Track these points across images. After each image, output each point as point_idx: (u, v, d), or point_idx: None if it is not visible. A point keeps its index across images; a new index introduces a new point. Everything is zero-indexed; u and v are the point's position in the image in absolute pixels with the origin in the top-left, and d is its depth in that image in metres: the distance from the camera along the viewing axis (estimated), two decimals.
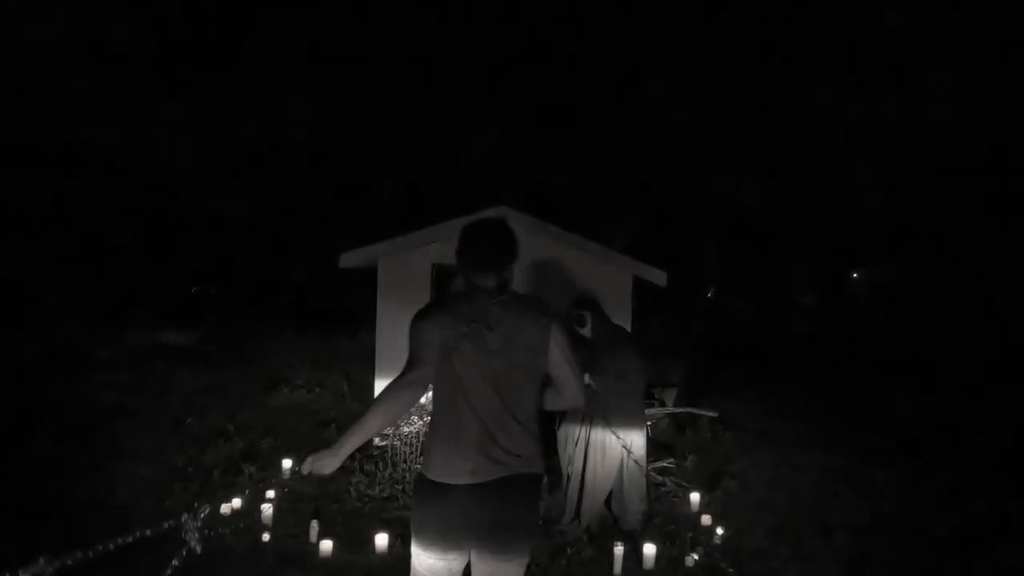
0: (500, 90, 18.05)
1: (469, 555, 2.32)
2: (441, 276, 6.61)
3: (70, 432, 6.37)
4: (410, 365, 2.23)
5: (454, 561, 2.31)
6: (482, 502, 2.23)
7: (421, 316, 2.30)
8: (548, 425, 4.63)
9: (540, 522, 2.42)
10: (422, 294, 6.59)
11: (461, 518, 2.24)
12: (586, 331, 4.61)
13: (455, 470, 2.24)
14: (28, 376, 8.61)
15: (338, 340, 12.10)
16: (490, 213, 6.51)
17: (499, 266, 2.34)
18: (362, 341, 10.53)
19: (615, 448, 4.48)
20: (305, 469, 2.26)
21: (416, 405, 2.32)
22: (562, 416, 4.66)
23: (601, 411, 4.46)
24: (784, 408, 8.80)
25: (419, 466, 2.45)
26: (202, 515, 2.12)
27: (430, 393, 2.38)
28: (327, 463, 2.22)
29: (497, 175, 16.81)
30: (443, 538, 2.26)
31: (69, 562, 1.71)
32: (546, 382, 2.39)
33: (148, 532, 1.97)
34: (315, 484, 5.02)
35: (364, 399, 7.58)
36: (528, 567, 2.41)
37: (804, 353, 14.24)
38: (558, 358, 2.34)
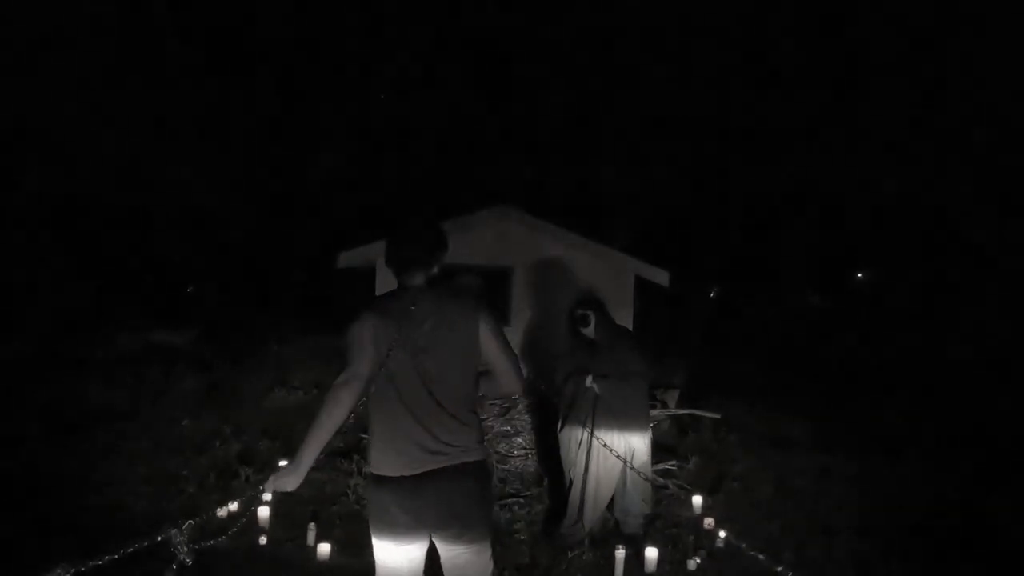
0: (501, 87, 18.07)
1: (423, 545, 2.43)
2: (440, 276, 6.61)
3: (61, 435, 6.37)
4: (343, 368, 2.37)
5: (411, 551, 2.40)
6: (425, 493, 2.32)
7: (352, 320, 2.42)
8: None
9: (493, 508, 2.57)
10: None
11: (403, 508, 2.33)
12: (589, 331, 4.62)
13: (392, 464, 2.35)
14: (17, 377, 8.60)
15: (336, 341, 12.09)
16: (490, 212, 6.52)
17: (424, 264, 2.45)
18: None
19: (618, 451, 4.48)
20: (268, 488, 2.40)
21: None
22: (565, 419, 4.67)
23: (604, 413, 4.46)
24: (789, 410, 8.79)
25: None
26: (186, 529, 2.17)
27: None
28: (289, 481, 2.36)
29: (497, 173, 16.82)
30: (391, 528, 2.37)
31: (83, 569, 1.73)
32: (483, 371, 2.47)
33: (135, 546, 1.99)
34: (313, 487, 5.03)
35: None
36: (493, 548, 2.52)
37: (810, 353, 14.23)
38: (490, 345, 2.43)
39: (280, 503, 4.78)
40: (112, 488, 5.15)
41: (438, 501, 2.33)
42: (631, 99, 18.12)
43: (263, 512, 4.49)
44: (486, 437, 2.95)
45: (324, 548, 4.17)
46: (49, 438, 6.22)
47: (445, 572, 2.47)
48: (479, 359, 2.43)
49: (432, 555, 2.49)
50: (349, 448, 6.29)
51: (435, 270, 2.47)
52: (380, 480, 2.37)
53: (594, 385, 4.43)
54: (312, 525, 4.41)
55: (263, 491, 2.49)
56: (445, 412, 2.35)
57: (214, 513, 4.41)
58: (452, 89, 18.02)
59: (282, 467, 2.40)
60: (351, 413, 2.39)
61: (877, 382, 11.20)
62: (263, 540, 4.30)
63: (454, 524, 2.36)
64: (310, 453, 2.35)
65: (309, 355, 10.79)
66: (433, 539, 2.42)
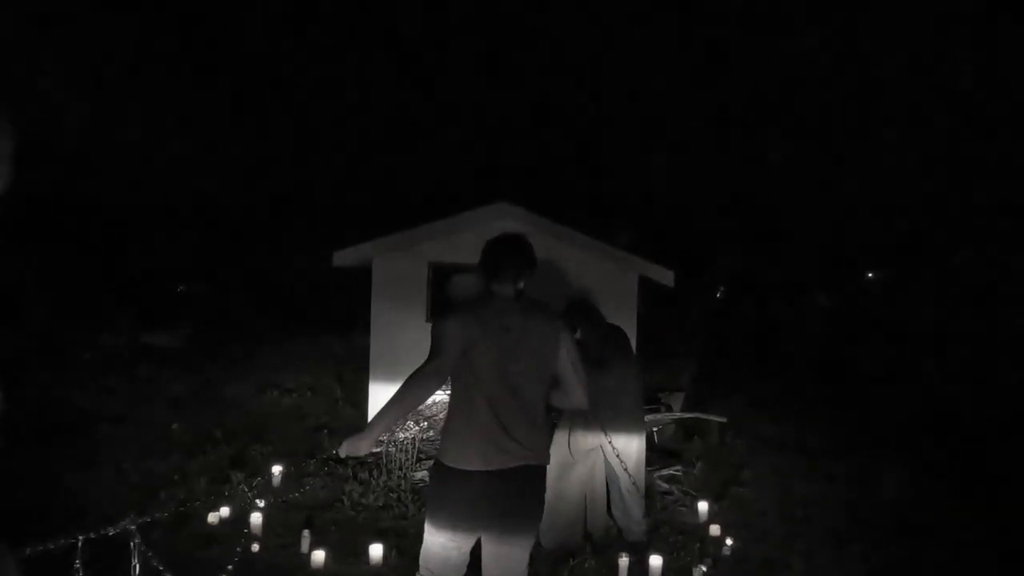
0: (501, 85, 18.07)
1: (476, 537, 2.66)
2: (438, 275, 6.61)
3: (49, 437, 6.38)
4: (431, 357, 2.58)
5: (463, 541, 2.65)
6: (492, 488, 2.57)
7: (443, 313, 2.66)
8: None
9: (542, 510, 2.85)
10: (418, 294, 6.59)
11: (472, 502, 2.58)
12: (577, 335, 4.62)
13: (469, 458, 2.58)
14: (4, 378, 8.60)
15: (330, 342, 12.11)
16: (488, 209, 6.52)
17: (517, 277, 2.73)
18: (355, 343, 10.53)
19: (609, 454, 4.49)
20: (342, 452, 2.62)
21: (418, 408, 2.81)
22: (559, 426, 4.69)
23: (595, 417, 4.46)
24: (797, 413, 8.80)
25: (415, 474, 2.63)
26: (138, 522, 2.29)
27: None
28: (361, 445, 2.59)
29: (497, 170, 16.83)
30: (454, 519, 2.61)
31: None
32: (554, 383, 2.74)
33: (93, 535, 2.11)
34: (307, 493, 5.04)
35: (357, 403, 7.59)
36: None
37: (819, 355, 14.23)
38: (565, 361, 2.70)
39: (272, 508, 4.79)
40: (100, 493, 5.16)
41: (499, 498, 2.58)
42: (636, 91, 18.14)
43: (256, 519, 4.49)
44: None
45: (319, 555, 4.17)
46: (36, 440, 6.22)
47: (484, 564, 2.72)
48: (554, 370, 2.71)
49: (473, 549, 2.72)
50: (346, 453, 6.30)
51: (522, 284, 2.75)
52: (451, 472, 2.60)
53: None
54: (306, 532, 4.41)
55: (335, 453, 2.70)
56: (522, 417, 2.61)
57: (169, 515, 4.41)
58: (451, 84, 18.03)
59: (354, 435, 2.62)
60: (428, 397, 2.64)
61: (888, 384, 11.20)
62: (256, 547, 4.31)
63: (508, 520, 2.62)
64: (382, 424, 2.60)
65: (303, 356, 10.83)
66: (483, 533, 2.65)
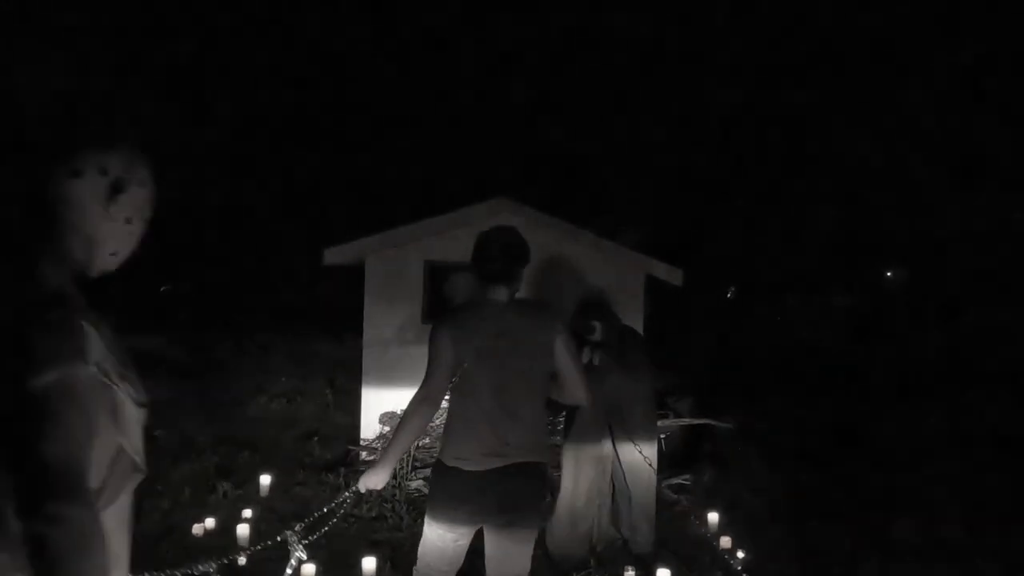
0: (502, 74, 18.09)
1: (472, 531, 2.86)
2: (435, 274, 6.61)
3: None
4: (425, 382, 2.82)
5: (461, 536, 2.84)
6: (489, 483, 2.75)
7: (436, 329, 2.82)
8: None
9: (543, 507, 3.12)
10: (414, 294, 6.59)
11: (469, 496, 2.77)
12: (595, 336, 4.61)
13: (467, 458, 2.78)
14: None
15: (321, 344, 12.12)
16: (488, 205, 6.52)
17: (511, 277, 2.83)
18: (348, 345, 10.54)
19: (620, 461, 4.49)
20: (361, 488, 2.86)
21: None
22: (565, 425, 4.68)
23: (604, 422, 4.46)
24: (812, 419, 8.80)
25: (410, 483, 3.12)
26: None
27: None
28: (378, 479, 2.84)
29: (497, 165, 16.83)
30: (451, 514, 2.80)
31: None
32: (554, 379, 2.89)
33: None
34: (297, 502, 5.04)
35: (350, 408, 7.59)
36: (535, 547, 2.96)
37: (835, 357, 14.23)
38: (564, 359, 2.84)
39: (261, 520, 4.79)
40: None
41: (496, 494, 2.75)
42: (642, 86, 18.17)
43: (243, 530, 4.50)
44: None
45: (308, 569, 4.18)
46: None
47: (488, 561, 2.90)
48: (552, 369, 2.85)
49: (474, 548, 2.90)
50: (336, 461, 6.31)
51: (517, 283, 2.86)
52: (449, 470, 2.82)
53: (593, 356, 4.39)
54: (294, 541, 4.41)
55: (355, 490, 2.92)
56: (520, 419, 2.79)
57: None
58: (448, 75, 18.05)
59: (369, 470, 2.87)
60: (430, 420, 2.94)
61: (908, 388, 11.20)
62: (242, 560, 4.31)
63: (506, 515, 2.79)
64: (394, 455, 2.89)
65: (293, 360, 10.84)
66: (484, 528, 2.85)
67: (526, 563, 2.91)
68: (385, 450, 2.92)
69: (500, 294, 2.83)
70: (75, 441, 1.23)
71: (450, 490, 2.82)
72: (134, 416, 1.39)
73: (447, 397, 2.89)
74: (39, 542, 1.16)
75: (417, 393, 2.83)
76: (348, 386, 8.34)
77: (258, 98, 17.83)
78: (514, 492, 2.78)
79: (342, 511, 3.05)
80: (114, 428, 1.34)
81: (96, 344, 1.30)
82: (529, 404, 2.82)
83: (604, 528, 4.69)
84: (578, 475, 4.57)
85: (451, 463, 2.82)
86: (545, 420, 2.93)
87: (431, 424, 6.06)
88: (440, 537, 2.84)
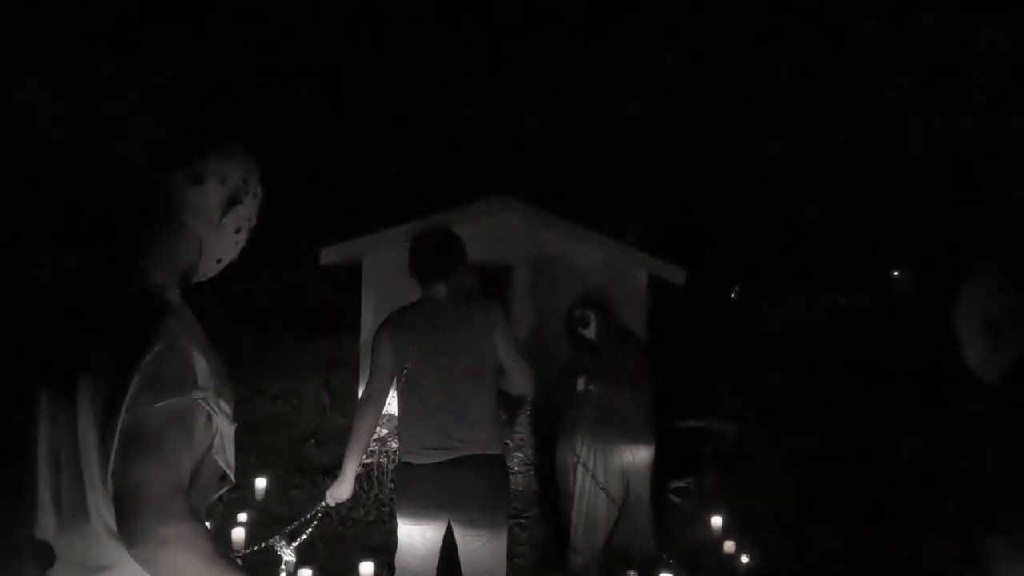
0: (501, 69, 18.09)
1: (439, 527, 2.92)
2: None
3: None
4: (367, 384, 3.04)
5: (427, 531, 2.92)
6: (443, 476, 2.85)
7: (377, 335, 3.02)
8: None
9: (508, 502, 3.14)
10: (413, 294, 6.58)
11: (422, 493, 2.89)
12: (589, 332, 4.62)
13: (419, 453, 2.92)
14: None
15: (317, 345, 12.10)
16: (488, 204, 6.52)
17: (446, 273, 2.95)
18: (344, 346, 10.52)
19: (616, 465, 4.49)
20: (330, 500, 3.02)
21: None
22: (558, 431, 4.69)
23: (600, 423, 4.46)
24: (817, 420, 8.79)
25: None
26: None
27: None
28: (343, 490, 2.99)
29: (498, 162, 16.80)
30: (412, 509, 2.92)
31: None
32: (500, 371, 3.00)
33: None
34: (293, 506, 5.04)
35: (347, 410, 7.57)
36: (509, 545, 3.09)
37: (842, 358, 14.21)
38: (503, 349, 2.95)
39: (255, 524, 4.78)
40: None
41: (454, 487, 2.84)
42: (644, 77, 18.16)
43: (238, 533, 4.49)
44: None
45: (304, 574, 4.17)
46: None
47: (462, 562, 2.97)
48: (495, 360, 2.94)
49: (452, 552, 2.98)
50: (333, 464, 6.30)
51: (455, 279, 2.96)
52: (402, 466, 3.00)
53: (590, 388, 4.42)
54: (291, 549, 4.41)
55: (325, 506, 3.06)
56: (461, 411, 2.88)
57: None
58: (447, 70, 18.04)
59: (332, 483, 3.04)
60: (379, 420, 3.09)
61: (916, 390, 11.18)
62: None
63: (468, 509, 2.86)
64: (352, 463, 3.02)
65: (288, 361, 10.81)
66: (452, 525, 2.92)
67: (495, 563, 2.94)
68: (343, 463, 3.02)
69: (437, 291, 2.95)
70: (182, 466, 1.27)
71: (403, 485, 3.00)
72: (228, 433, 1.41)
73: (394, 397, 3.05)
74: (156, 565, 1.21)
75: (360, 396, 3.01)
76: (345, 387, 8.33)
77: (258, 98, 17.82)
78: (466, 485, 2.84)
79: (316, 521, 3.14)
80: (208, 451, 1.38)
81: (202, 367, 1.33)
82: (475, 399, 2.90)
83: (618, 534, 4.70)
84: (567, 478, 4.58)
85: (404, 458, 2.99)
86: (495, 413, 3.03)
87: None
88: (408, 533, 2.94)
